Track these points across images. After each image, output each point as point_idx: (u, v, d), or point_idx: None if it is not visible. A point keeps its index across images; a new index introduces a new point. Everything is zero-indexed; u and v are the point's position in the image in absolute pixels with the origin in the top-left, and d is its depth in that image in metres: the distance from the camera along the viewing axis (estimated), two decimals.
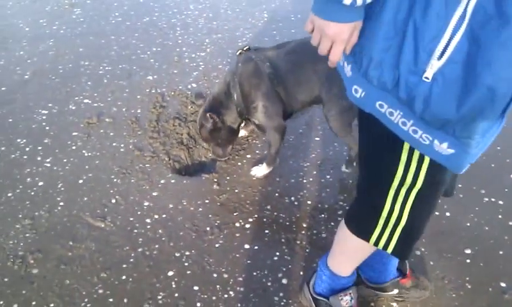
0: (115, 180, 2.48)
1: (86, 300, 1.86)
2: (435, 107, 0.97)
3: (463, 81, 0.92)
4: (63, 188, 2.42)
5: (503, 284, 1.92)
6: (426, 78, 0.95)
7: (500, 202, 2.32)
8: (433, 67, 0.93)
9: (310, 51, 2.29)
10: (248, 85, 2.36)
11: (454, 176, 1.39)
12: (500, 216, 2.24)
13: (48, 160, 2.62)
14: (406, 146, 1.14)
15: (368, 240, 1.40)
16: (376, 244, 1.39)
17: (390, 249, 1.38)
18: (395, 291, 1.82)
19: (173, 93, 3.19)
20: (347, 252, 1.58)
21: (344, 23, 0.98)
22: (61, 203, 2.33)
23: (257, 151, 2.70)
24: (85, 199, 2.35)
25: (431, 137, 1.03)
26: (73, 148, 2.71)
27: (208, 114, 2.40)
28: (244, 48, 2.42)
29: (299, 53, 2.32)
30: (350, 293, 1.67)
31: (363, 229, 1.41)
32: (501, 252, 2.06)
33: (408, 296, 1.83)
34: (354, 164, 2.52)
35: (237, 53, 2.44)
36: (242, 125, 2.62)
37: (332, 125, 2.36)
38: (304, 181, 2.49)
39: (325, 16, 1.00)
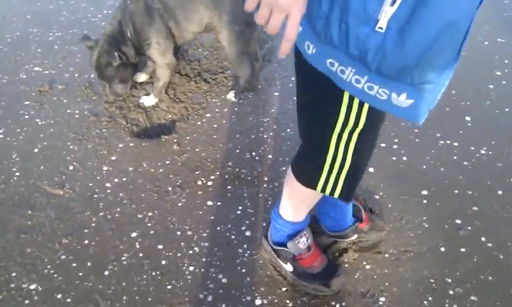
0: (71, 146, 2.42)
1: (48, 266, 1.83)
2: (392, 56, 0.91)
3: (420, 21, 0.86)
4: (18, 159, 2.35)
5: (458, 221, 1.99)
6: (380, 28, 0.89)
7: (455, 144, 2.39)
8: (387, 14, 0.87)
9: None
10: (140, 22, 2.45)
11: None
12: (455, 157, 2.31)
13: (0, 131, 2.53)
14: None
15: (315, 188, 1.39)
16: (323, 190, 1.37)
17: (336, 194, 1.37)
18: (355, 236, 1.86)
19: None
20: (297, 200, 1.58)
21: None
22: (17, 173, 2.26)
23: (217, 110, 2.67)
24: (41, 167, 2.29)
25: (388, 91, 0.97)
26: (26, 117, 2.63)
27: (116, 53, 2.45)
28: None
29: None
30: (305, 234, 1.69)
31: (309, 179, 1.40)
32: (456, 191, 2.13)
33: (366, 239, 1.88)
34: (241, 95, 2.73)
35: None
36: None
37: (228, 51, 2.55)
38: (265, 136, 2.49)
39: None
